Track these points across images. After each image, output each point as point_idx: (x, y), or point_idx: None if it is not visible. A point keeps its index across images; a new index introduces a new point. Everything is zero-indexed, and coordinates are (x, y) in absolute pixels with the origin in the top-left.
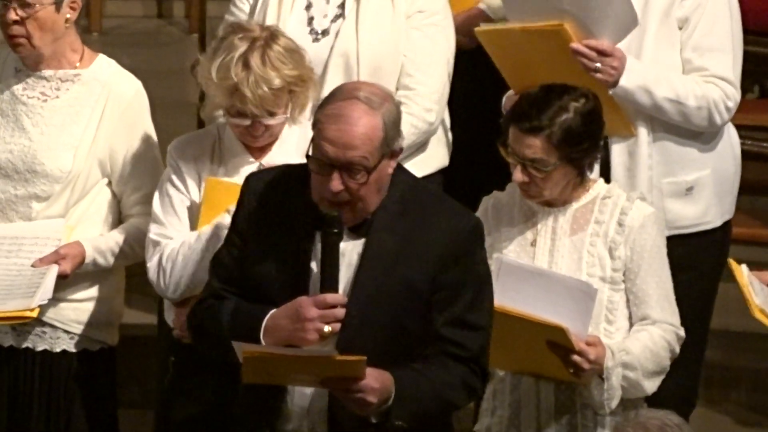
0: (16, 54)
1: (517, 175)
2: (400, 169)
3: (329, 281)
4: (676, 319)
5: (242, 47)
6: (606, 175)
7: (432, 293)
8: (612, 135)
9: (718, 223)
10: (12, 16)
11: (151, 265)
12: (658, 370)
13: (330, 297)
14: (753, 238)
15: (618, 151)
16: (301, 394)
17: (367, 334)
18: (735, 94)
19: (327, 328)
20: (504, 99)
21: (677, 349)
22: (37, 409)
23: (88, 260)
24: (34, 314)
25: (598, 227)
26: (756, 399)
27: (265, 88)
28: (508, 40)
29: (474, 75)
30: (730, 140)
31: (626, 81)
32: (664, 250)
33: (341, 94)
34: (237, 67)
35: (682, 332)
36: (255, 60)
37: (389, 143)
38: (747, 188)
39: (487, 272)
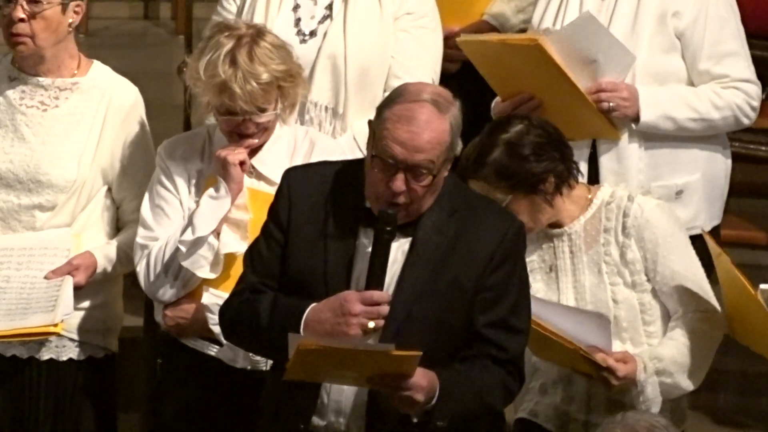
0: (15, 56)
1: None
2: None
3: (377, 278)
4: (705, 302)
5: (228, 44)
6: (595, 180)
7: (476, 293)
8: (598, 139)
9: (707, 227)
10: (19, 13)
11: (140, 269)
12: (699, 363)
13: (377, 294)
14: (740, 240)
15: (607, 156)
16: (338, 389)
17: (412, 332)
18: (757, 91)
19: (371, 324)
20: (492, 105)
21: (719, 333)
22: (44, 418)
23: (99, 270)
24: (59, 329)
25: (608, 236)
26: (744, 402)
27: (254, 84)
28: (488, 51)
29: (463, 79)
30: (722, 145)
31: (646, 115)
32: (680, 235)
33: (408, 95)
34: (224, 64)
35: (717, 314)
36: (242, 56)
37: (453, 148)
38: (734, 190)
39: (527, 276)
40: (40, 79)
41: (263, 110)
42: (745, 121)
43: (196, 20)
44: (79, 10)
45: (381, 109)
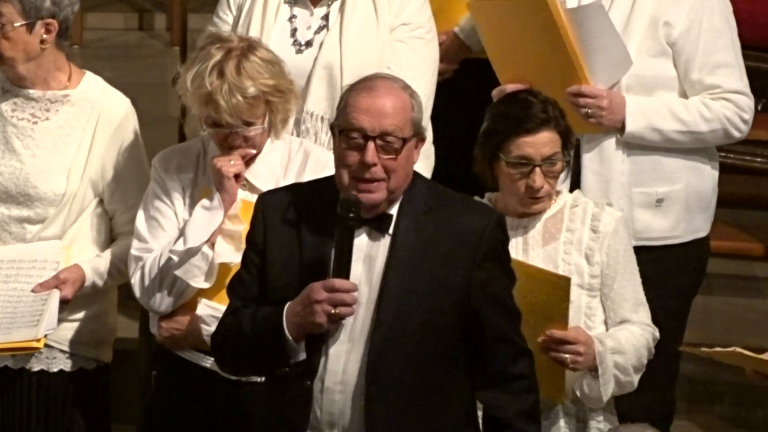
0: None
1: (539, 181)
2: (416, 174)
3: (341, 267)
4: (650, 320)
5: (218, 56)
6: (576, 181)
7: (468, 294)
8: (586, 133)
9: (686, 238)
10: None
11: (135, 281)
12: (639, 366)
13: (338, 282)
14: (735, 251)
15: (590, 156)
16: (329, 402)
17: (400, 332)
18: (749, 103)
19: (333, 311)
20: (494, 92)
21: (653, 349)
22: (34, 429)
23: (87, 283)
24: (41, 345)
25: (571, 235)
26: (739, 414)
27: (239, 97)
28: (496, 13)
29: (457, 90)
30: (708, 157)
31: (632, 125)
32: (633, 253)
33: (366, 76)
34: (211, 76)
35: (657, 333)
36: (230, 69)
37: (418, 121)
38: (729, 201)
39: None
40: (31, 91)
41: (249, 124)
42: (736, 134)
43: (191, 31)
44: (51, 27)
45: (341, 100)
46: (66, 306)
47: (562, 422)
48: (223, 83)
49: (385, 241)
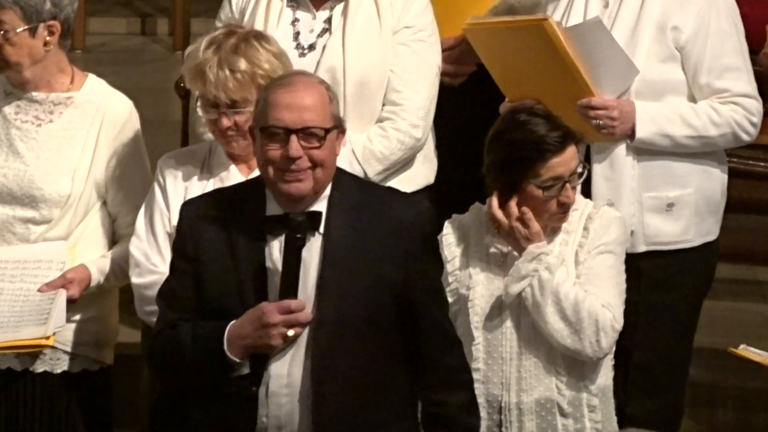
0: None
1: (572, 195)
2: (342, 170)
3: (291, 287)
4: (618, 313)
5: (219, 33)
6: (587, 185)
7: (407, 286)
8: (595, 142)
9: (697, 242)
10: None
11: (141, 281)
12: (571, 317)
13: (294, 303)
14: (739, 256)
15: (600, 162)
16: (276, 405)
17: (343, 331)
18: (758, 107)
19: (290, 332)
20: (501, 107)
21: (603, 339)
22: (38, 431)
23: (93, 283)
24: (51, 342)
25: (567, 236)
26: (743, 418)
27: (227, 71)
28: (494, 37)
29: (461, 94)
30: (718, 160)
31: (642, 132)
32: (622, 249)
33: (281, 75)
34: (207, 50)
35: (618, 325)
36: (226, 46)
37: (336, 113)
38: (733, 206)
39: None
40: (35, 94)
41: (235, 103)
42: (745, 138)
43: (194, 36)
44: (54, 29)
45: (258, 101)
46: (71, 306)
47: (558, 421)
48: (215, 56)
49: (317, 240)
